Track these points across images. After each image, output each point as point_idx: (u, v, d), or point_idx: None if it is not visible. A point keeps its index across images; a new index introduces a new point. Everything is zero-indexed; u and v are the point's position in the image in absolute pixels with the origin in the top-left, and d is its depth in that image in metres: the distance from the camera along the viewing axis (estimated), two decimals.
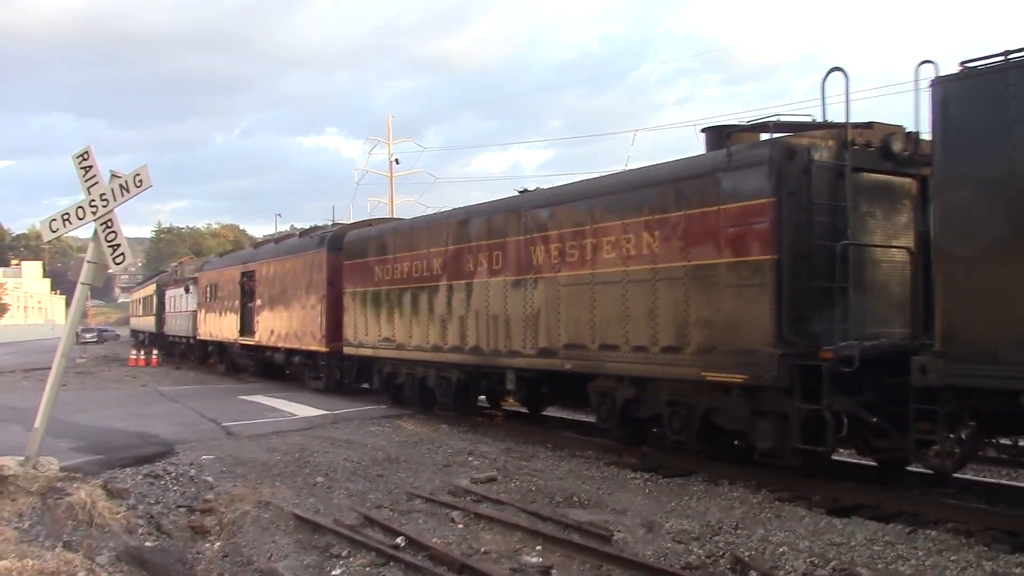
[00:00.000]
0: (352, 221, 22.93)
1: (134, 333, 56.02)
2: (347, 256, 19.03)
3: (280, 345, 22.91)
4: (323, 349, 20.15)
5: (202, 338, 31.31)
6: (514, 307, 13.27)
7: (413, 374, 16.61)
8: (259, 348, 24.83)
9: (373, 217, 22.11)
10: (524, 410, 16.37)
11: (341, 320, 19.20)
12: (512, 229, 13.46)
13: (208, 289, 30.13)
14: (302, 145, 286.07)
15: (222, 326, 28.32)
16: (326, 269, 20.09)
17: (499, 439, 13.61)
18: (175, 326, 37.29)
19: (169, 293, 39.15)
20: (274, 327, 23.23)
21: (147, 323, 46.96)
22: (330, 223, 25.93)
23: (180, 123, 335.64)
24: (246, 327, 25.80)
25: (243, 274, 26.27)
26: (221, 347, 29.54)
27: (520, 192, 14.39)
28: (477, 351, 14.23)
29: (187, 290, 33.93)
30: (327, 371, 20.39)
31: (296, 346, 21.89)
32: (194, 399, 19.57)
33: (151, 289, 45.41)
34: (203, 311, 30.84)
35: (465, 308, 14.59)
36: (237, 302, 26.53)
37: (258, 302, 24.53)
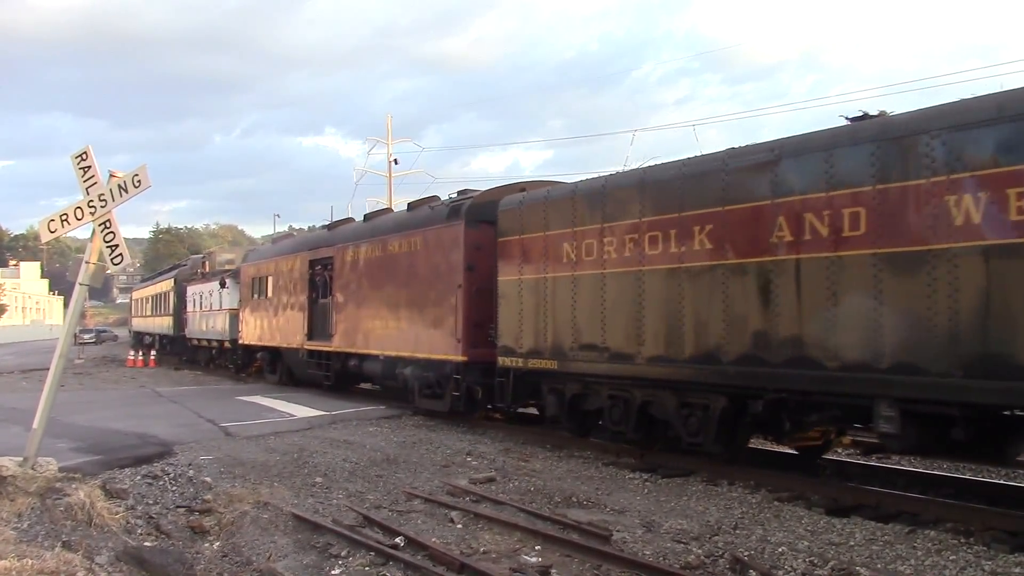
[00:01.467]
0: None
1: (138, 336, 49.36)
2: (502, 231, 13.82)
3: (380, 352, 17.65)
4: (459, 358, 14.75)
5: (246, 342, 25.91)
6: (895, 297, 8.32)
7: (626, 398, 11.65)
8: (338, 355, 19.66)
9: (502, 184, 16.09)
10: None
11: (488, 319, 14.26)
12: (894, 170, 8.35)
13: (255, 283, 25.16)
14: (301, 145, 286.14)
15: (278, 328, 23.11)
16: (463, 249, 14.93)
17: (498, 439, 13.61)
18: (202, 328, 31.54)
19: (193, 289, 33.14)
20: (368, 329, 18.11)
21: (158, 324, 41.22)
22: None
23: (179, 123, 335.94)
24: (318, 329, 20.77)
25: (313, 263, 21.25)
26: (274, 353, 24.19)
27: (858, 117, 9.13)
28: (800, 363, 9.12)
29: (223, 284, 28.56)
30: (463, 387, 14.81)
31: (408, 354, 16.41)
32: (193, 400, 19.55)
33: (165, 285, 39.70)
34: (247, 310, 25.75)
35: (774, 301, 9.41)
36: (303, 298, 21.45)
37: (338, 297, 19.45)
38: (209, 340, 31.17)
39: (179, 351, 36.44)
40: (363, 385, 20.56)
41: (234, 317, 27.36)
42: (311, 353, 20.98)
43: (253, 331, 25.20)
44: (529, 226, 13.15)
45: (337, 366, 19.80)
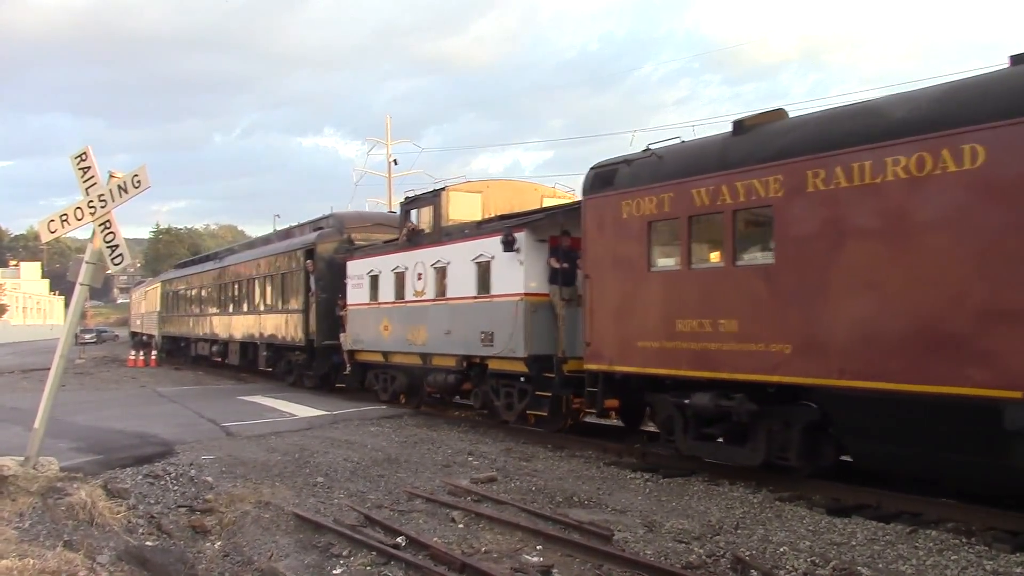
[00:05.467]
0: None
1: (173, 342, 38.06)
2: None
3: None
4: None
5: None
6: None
7: None
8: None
9: None
10: None
11: None
12: None
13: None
14: (301, 145, 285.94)
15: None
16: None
17: (499, 439, 13.61)
18: (410, 336, 16.68)
19: (378, 264, 18.00)
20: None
21: (245, 328, 26.59)
22: None
23: (179, 123, 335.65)
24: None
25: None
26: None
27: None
28: None
29: (509, 246, 13.71)
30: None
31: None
32: (193, 400, 19.57)
33: (276, 263, 24.25)
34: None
35: None
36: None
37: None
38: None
39: (299, 369, 22.41)
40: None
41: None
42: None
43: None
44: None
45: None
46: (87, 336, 59.38)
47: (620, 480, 10.40)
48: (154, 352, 37.93)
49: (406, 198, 17.56)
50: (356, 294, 19.00)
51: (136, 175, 9.93)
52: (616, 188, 11.52)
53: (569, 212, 13.05)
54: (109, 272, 10.66)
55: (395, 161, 42.04)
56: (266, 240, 29.10)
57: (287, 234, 26.23)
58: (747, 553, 7.12)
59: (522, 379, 13.80)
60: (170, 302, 38.58)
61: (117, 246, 9.96)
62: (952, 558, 7.03)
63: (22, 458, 9.29)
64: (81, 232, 10.92)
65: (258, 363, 25.55)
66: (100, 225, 9.94)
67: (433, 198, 16.39)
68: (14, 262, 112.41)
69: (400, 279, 17.11)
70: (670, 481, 10.24)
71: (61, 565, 6.55)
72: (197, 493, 9.73)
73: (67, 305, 13.72)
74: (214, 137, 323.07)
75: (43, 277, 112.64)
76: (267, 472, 10.80)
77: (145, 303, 47.53)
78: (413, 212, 17.19)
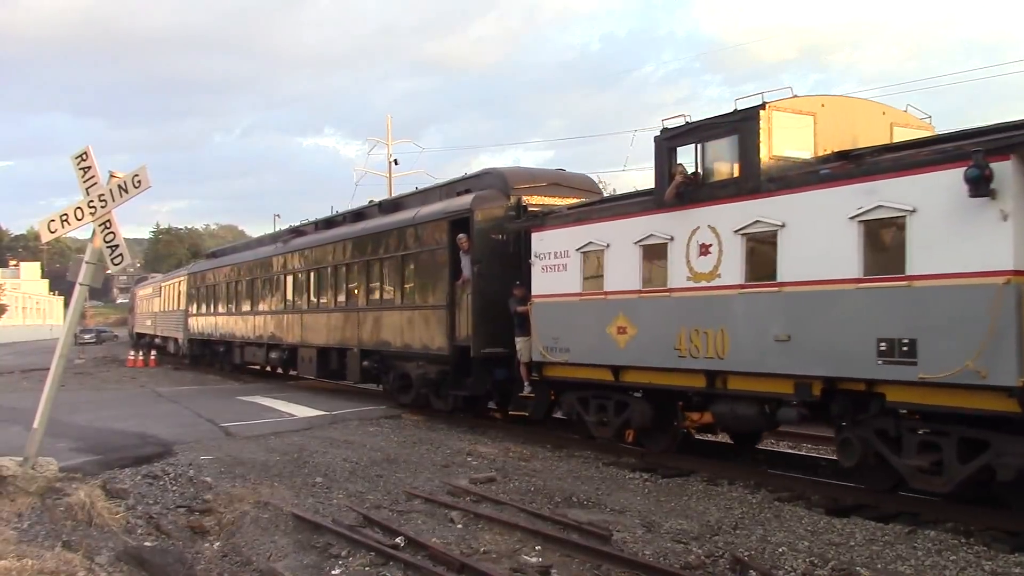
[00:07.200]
0: None
1: (204, 346, 32.21)
2: None
3: None
4: None
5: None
6: None
7: None
8: None
9: None
10: None
11: None
12: None
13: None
14: (301, 145, 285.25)
15: None
16: None
17: (498, 439, 13.60)
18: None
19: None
20: None
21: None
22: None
23: (179, 123, 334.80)
24: None
25: None
26: None
27: None
28: None
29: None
30: None
31: None
32: (193, 400, 19.56)
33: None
34: None
35: None
36: None
37: None
38: (758, 374, 10.35)
39: (430, 386, 16.55)
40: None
41: None
42: None
43: None
44: None
45: None
46: (87, 336, 59.39)
47: (619, 480, 10.40)
48: (184, 358, 34.00)
49: (664, 130, 11.15)
50: (552, 280, 13.00)
51: (136, 175, 9.93)
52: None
53: None
54: (109, 272, 10.65)
55: (396, 161, 41.97)
56: (358, 215, 20.96)
57: (396, 205, 19.33)
58: (746, 553, 7.12)
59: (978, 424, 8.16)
60: (202, 298, 31.63)
61: (117, 246, 9.96)
62: (951, 558, 7.04)
63: (21, 458, 9.29)
64: (81, 232, 10.92)
65: (347, 375, 19.70)
66: (100, 225, 9.94)
67: (739, 123, 10.24)
68: (14, 262, 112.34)
69: (655, 254, 11.30)
70: (669, 481, 10.24)
71: (60, 565, 6.55)
72: (196, 493, 9.74)
73: (67, 305, 13.69)
74: (214, 137, 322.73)
75: (43, 277, 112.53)
76: (266, 472, 10.80)
77: (159, 301, 40.90)
78: (686, 150, 10.96)
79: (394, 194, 28.60)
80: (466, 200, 15.30)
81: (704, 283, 10.54)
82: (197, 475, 10.59)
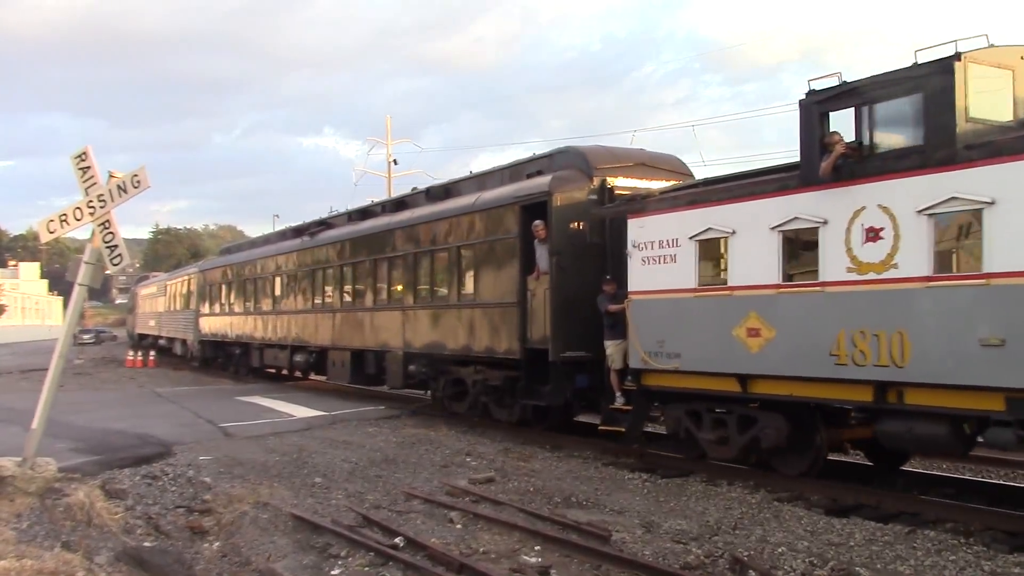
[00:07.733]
0: None
1: (194, 345, 32.37)
2: None
3: None
4: None
5: None
6: None
7: None
8: None
9: None
10: None
11: None
12: None
13: None
14: (301, 145, 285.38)
15: None
16: None
17: (497, 440, 13.60)
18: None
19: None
20: None
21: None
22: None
23: (179, 123, 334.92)
24: None
25: None
26: None
27: None
28: None
29: None
30: None
31: None
32: (192, 400, 19.56)
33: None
34: None
35: None
36: None
37: None
38: (957, 387, 8.29)
39: (494, 394, 14.79)
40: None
41: None
42: None
43: None
44: None
45: None
46: (86, 336, 59.30)
47: (618, 480, 10.40)
48: (193, 360, 32.10)
49: (811, 92, 9.26)
50: (656, 273, 11.04)
51: (136, 175, 9.93)
52: None
53: None
54: (108, 272, 10.65)
55: (395, 161, 41.97)
56: (399, 203, 18.78)
57: (446, 192, 16.98)
58: (745, 553, 7.12)
59: None
60: (214, 297, 29.59)
61: (116, 246, 9.96)
62: (950, 558, 7.04)
63: (20, 458, 9.28)
64: (80, 232, 10.92)
65: (387, 380, 17.75)
66: (99, 225, 9.94)
67: (924, 79, 8.33)
68: (13, 262, 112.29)
69: (800, 242, 9.51)
70: (668, 481, 10.24)
71: (59, 566, 6.54)
72: (195, 494, 9.73)
73: (66, 305, 13.69)
74: (214, 137, 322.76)
75: (42, 277, 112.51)
76: (265, 472, 10.80)
77: (164, 300, 39.03)
78: (842, 115, 9.08)
79: (392, 195, 27.53)
80: (543, 182, 13.36)
81: (873, 275, 8.58)
82: (196, 475, 10.58)
